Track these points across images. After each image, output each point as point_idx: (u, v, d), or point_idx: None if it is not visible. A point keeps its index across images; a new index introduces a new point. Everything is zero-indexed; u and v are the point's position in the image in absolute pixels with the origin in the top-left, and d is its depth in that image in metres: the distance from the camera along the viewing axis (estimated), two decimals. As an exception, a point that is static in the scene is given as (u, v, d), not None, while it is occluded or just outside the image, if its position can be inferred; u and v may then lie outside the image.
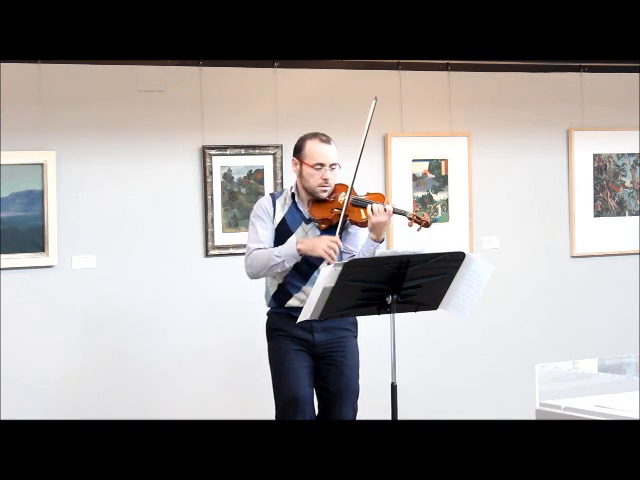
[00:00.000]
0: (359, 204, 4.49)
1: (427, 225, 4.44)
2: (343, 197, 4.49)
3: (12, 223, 5.30)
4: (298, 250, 4.43)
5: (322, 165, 4.51)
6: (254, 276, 4.58)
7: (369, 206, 4.42)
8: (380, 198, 4.52)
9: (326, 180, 4.51)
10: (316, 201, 4.55)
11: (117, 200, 5.54)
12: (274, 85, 5.79)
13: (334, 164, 4.54)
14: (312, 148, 4.53)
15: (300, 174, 4.56)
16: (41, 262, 5.36)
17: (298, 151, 4.58)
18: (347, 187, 4.50)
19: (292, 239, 4.48)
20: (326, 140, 4.56)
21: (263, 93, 5.78)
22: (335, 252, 4.36)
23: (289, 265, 4.48)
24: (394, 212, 4.45)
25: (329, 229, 4.51)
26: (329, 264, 4.21)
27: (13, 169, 5.28)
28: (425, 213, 4.48)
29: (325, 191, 4.53)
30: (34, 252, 5.34)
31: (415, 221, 4.44)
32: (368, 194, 4.55)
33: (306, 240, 4.47)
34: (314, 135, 4.57)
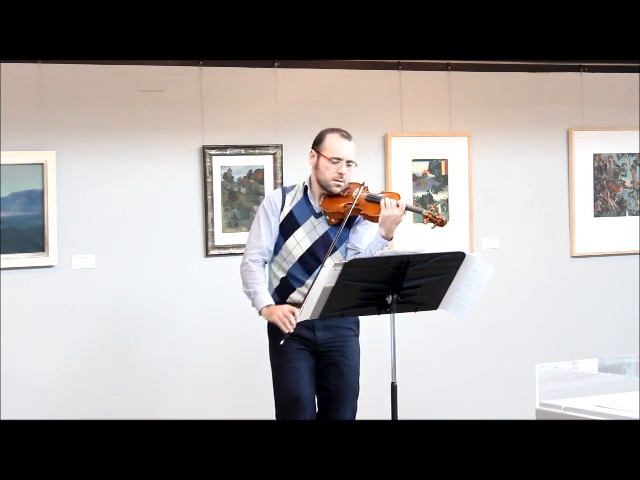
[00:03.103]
0: (373, 199, 4.51)
1: (442, 223, 4.48)
2: (357, 192, 4.52)
3: (12, 223, 5.30)
4: (260, 311, 4.51)
5: (339, 159, 4.53)
6: None
7: (382, 200, 4.44)
8: (396, 197, 4.55)
9: (341, 175, 4.53)
10: (329, 196, 4.57)
11: (117, 200, 5.54)
12: (274, 85, 5.79)
13: (351, 161, 4.56)
14: (332, 141, 4.55)
15: (316, 166, 4.58)
16: (41, 262, 5.36)
17: (317, 143, 4.60)
18: (360, 185, 4.53)
19: (264, 300, 4.50)
20: (346, 136, 4.59)
21: (263, 93, 5.79)
22: (290, 322, 4.37)
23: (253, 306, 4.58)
24: (408, 209, 4.49)
25: (339, 224, 4.52)
26: (283, 335, 4.37)
27: (13, 169, 5.28)
28: (440, 212, 4.51)
29: (338, 186, 4.54)
30: (34, 252, 5.34)
31: (430, 219, 4.47)
32: (383, 192, 4.58)
33: (270, 308, 4.48)
34: (336, 130, 4.61)
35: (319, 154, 4.57)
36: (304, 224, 4.57)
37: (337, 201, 4.56)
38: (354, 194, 4.52)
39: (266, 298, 4.52)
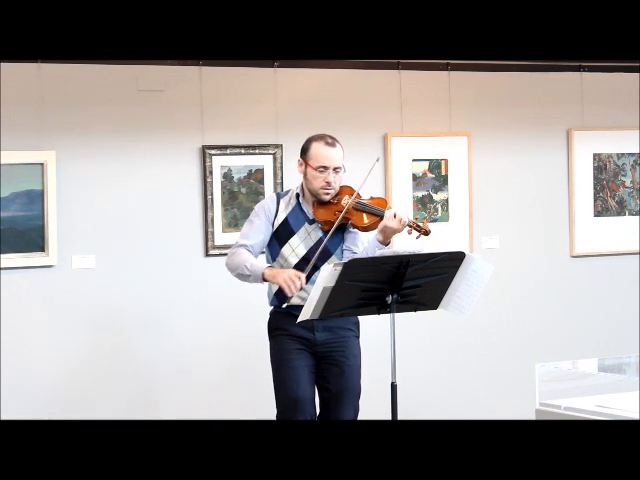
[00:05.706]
0: (361, 208, 4.50)
1: (426, 233, 4.46)
2: (347, 200, 4.50)
3: (12, 223, 5.30)
4: (263, 274, 4.45)
5: (326, 168, 4.50)
6: (229, 271, 4.59)
7: (388, 212, 4.42)
8: (382, 203, 4.53)
9: (329, 183, 4.51)
10: (320, 202, 4.56)
11: (117, 200, 5.54)
12: (274, 85, 5.79)
13: (338, 167, 4.52)
14: (317, 150, 4.52)
15: (305, 175, 4.57)
16: (41, 262, 5.36)
17: (304, 152, 4.58)
18: (352, 189, 4.52)
19: (263, 264, 4.50)
20: (332, 143, 4.54)
21: (263, 93, 5.79)
22: (295, 286, 4.34)
23: (253, 282, 4.52)
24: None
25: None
26: (288, 296, 4.38)
27: (13, 169, 5.28)
28: (425, 220, 4.49)
29: (327, 194, 4.53)
30: (34, 252, 5.34)
31: (415, 229, 4.46)
32: (372, 198, 4.56)
33: (274, 269, 4.48)
34: (320, 137, 4.57)
35: (306, 163, 4.55)
36: (299, 231, 4.56)
37: (328, 208, 4.54)
38: (343, 202, 4.51)
39: (263, 263, 4.50)
